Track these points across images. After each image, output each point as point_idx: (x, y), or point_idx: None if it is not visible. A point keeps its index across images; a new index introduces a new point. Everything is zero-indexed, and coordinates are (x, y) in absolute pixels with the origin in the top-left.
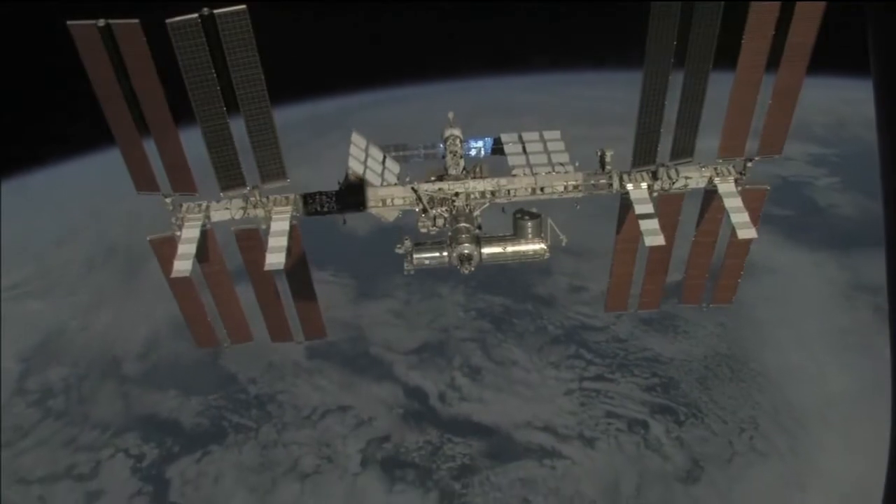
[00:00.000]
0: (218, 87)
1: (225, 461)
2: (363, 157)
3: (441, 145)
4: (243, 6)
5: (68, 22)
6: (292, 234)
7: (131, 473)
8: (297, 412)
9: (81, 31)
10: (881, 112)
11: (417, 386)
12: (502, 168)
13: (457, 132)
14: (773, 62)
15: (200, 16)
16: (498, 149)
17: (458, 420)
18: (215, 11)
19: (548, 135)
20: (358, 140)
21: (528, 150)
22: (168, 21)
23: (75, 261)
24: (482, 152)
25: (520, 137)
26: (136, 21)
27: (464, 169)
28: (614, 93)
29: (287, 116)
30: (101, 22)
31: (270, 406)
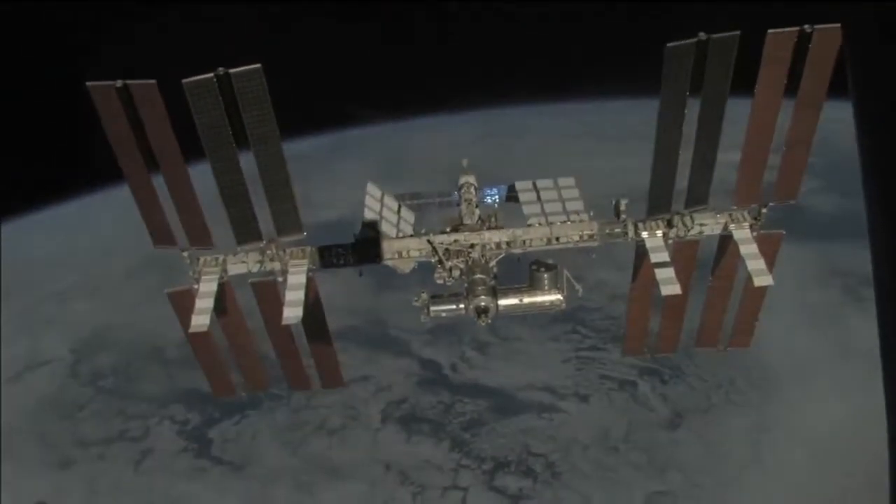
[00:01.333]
0: (234, 145)
1: (261, 423)
2: (378, 208)
3: (456, 193)
4: (258, 65)
5: (87, 83)
6: (309, 286)
7: (177, 435)
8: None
9: (100, 92)
10: (860, 126)
11: (431, 359)
12: (516, 213)
13: (471, 179)
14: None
15: (216, 75)
16: (512, 196)
17: (468, 384)
18: (231, 71)
19: (562, 182)
20: (373, 190)
21: (542, 198)
22: (184, 81)
23: (116, 271)
24: (496, 200)
25: (534, 185)
26: (153, 81)
27: (479, 218)
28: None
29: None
30: (119, 83)
31: None
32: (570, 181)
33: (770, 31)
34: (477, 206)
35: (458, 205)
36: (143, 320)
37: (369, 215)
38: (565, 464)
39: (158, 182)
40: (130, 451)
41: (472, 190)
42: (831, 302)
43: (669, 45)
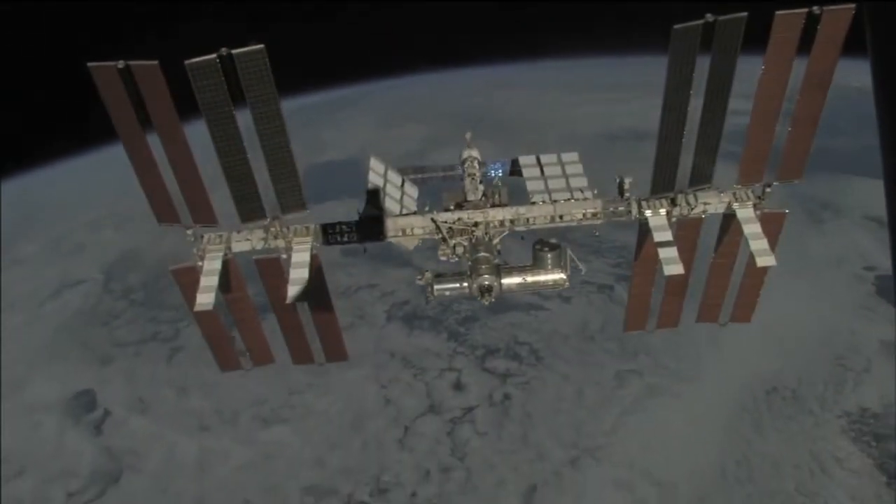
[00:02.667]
0: (237, 124)
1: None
2: (382, 183)
3: (460, 168)
4: (261, 45)
5: (89, 64)
6: (312, 262)
7: None
8: (335, 289)
9: (101, 72)
10: (881, 102)
11: (432, 269)
12: (519, 187)
13: (475, 153)
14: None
15: (219, 56)
16: (516, 171)
17: None
18: (233, 52)
19: (566, 157)
20: (377, 165)
21: (546, 173)
22: (187, 63)
23: (139, 206)
24: (499, 173)
25: (538, 160)
26: (156, 62)
27: (483, 194)
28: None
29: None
30: (121, 63)
31: None
32: (574, 156)
33: (778, 12)
34: (481, 182)
35: (462, 179)
36: (167, 245)
37: (373, 192)
38: (548, 350)
39: (161, 158)
40: (163, 349)
41: (476, 164)
42: (792, 222)
43: (676, 26)
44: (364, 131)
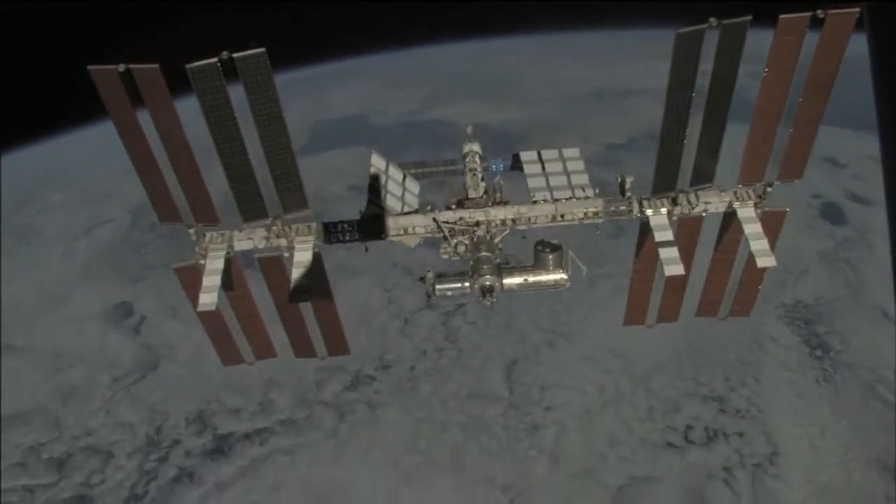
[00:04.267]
0: (238, 125)
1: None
2: (384, 180)
3: (461, 163)
4: (262, 49)
5: (89, 67)
6: (314, 259)
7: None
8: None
9: (102, 76)
10: (881, 101)
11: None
12: (521, 183)
13: (476, 147)
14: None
15: (220, 59)
16: (517, 166)
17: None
18: (234, 56)
19: (567, 153)
20: (378, 161)
21: (547, 170)
22: (188, 66)
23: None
24: (500, 168)
25: (539, 156)
26: (156, 66)
27: (484, 192)
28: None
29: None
30: (122, 67)
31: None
32: (575, 152)
33: (782, 15)
34: (482, 179)
35: (464, 174)
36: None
37: (374, 189)
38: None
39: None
40: None
41: (477, 158)
42: None
43: (679, 31)
44: (366, 93)
